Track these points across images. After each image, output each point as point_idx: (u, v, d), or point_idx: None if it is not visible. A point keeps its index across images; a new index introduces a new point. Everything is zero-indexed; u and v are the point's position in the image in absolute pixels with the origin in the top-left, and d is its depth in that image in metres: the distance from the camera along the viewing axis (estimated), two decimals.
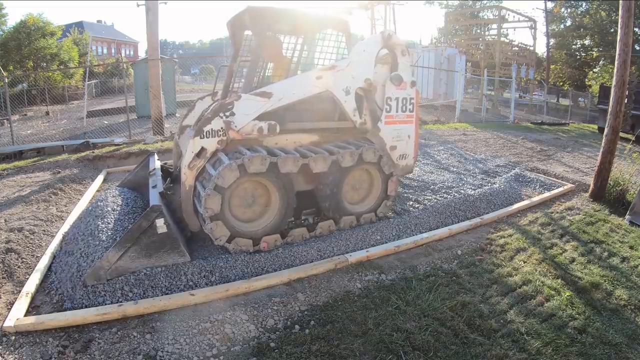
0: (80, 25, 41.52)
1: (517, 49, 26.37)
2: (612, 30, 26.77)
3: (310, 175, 4.57)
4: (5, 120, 13.10)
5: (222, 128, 4.14)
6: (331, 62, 5.14)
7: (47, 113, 18.05)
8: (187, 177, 4.11)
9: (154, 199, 4.12)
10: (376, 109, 5.08)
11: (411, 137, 5.44)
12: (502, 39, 25.31)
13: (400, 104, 5.25)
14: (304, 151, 4.55)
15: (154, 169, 5.19)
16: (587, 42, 31.74)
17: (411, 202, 5.99)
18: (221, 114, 4.13)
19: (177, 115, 15.69)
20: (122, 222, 4.45)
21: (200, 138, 4.07)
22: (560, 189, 7.07)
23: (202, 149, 4.09)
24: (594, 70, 28.67)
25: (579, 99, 25.56)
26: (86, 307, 3.36)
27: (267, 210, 4.36)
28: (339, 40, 5.38)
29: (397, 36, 5.12)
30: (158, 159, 5.68)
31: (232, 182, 3.96)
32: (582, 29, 30.03)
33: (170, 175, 5.12)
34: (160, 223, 3.65)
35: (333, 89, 4.71)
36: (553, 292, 3.92)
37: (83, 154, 8.57)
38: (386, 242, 4.73)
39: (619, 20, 6.51)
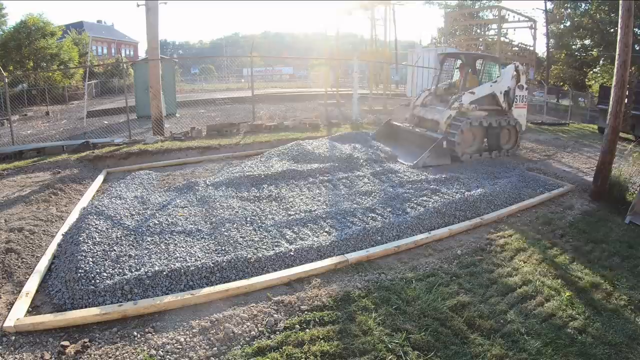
0: (80, 25, 41.56)
1: (517, 49, 26.35)
2: (612, 30, 26.76)
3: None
4: (5, 121, 13.10)
5: (457, 105, 8.79)
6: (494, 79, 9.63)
7: (47, 113, 18.05)
8: (444, 127, 8.71)
9: (435, 135, 8.60)
10: (511, 101, 9.49)
11: (524, 115, 10.05)
12: (502, 39, 25.28)
13: (520, 99, 9.74)
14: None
15: (406, 126, 10.02)
16: (587, 42, 31.73)
17: (411, 202, 5.98)
18: (458, 101, 8.79)
19: (177, 115, 15.69)
20: None
21: (450, 109, 8.76)
22: (560, 189, 7.07)
23: (450, 115, 8.69)
24: (594, 70, 28.64)
25: (579, 99, 25.53)
26: (86, 307, 3.36)
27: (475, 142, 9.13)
28: (496, 67, 10.11)
29: (520, 65, 9.67)
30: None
31: (466, 129, 8.62)
32: (581, 29, 30.02)
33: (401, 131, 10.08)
34: (444, 142, 8.32)
35: (495, 91, 9.29)
36: (553, 292, 3.92)
37: (83, 154, 8.57)
38: (386, 242, 4.74)
39: (619, 20, 6.51)
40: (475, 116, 8.86)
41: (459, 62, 10.52)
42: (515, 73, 9.46)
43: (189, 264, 3.90)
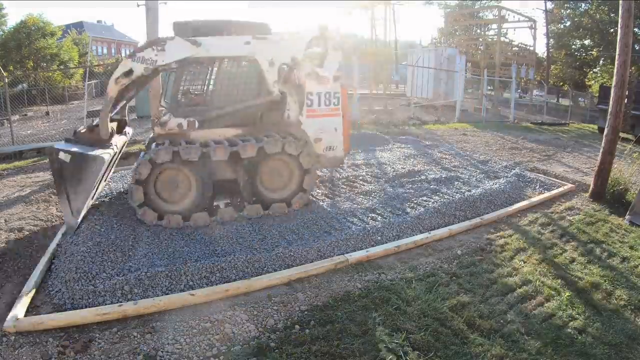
0: (80, 25, 41.58)
1: (517, 49, 26.37)
2: (612, 30, 26.77)
3: None
4: (5, 120, 13.09)
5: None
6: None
7: (47, 113, 18.04)
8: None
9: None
10: (302, 100, 5.52)
11: (335, 130, 5.74)
12: (502, 39, 25.29)
13: (323, 99, 5.59)
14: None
15: None
16: (587, 42, 31.75)
17: (411, 203, 5.98)
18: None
19: None
20: None
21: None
22: (560, 189, 7.07)
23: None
24: (594, 70, 28.64)
25: (579, 99, 25.54)
26: (86, 307, 3.36)
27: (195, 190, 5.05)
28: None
29: (330, 30, 5.50)
30: None
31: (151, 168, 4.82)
32: (581, 29, 30.03)
33: None
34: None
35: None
36: (553, 292, 3.92)
37: None
38: (386, 242, 4.74)
39: (619, 20, 6.51)
40: (202, 137, 5.06)
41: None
42: (314, 35, 5.35)
43: (189, 264, 3.90)
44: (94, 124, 4.83)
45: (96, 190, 4.91)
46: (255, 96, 5.40)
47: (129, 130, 5.73)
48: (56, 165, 4.17)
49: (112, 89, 4.69)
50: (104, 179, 5.19)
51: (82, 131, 4.66)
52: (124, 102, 5.05)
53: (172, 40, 4.72)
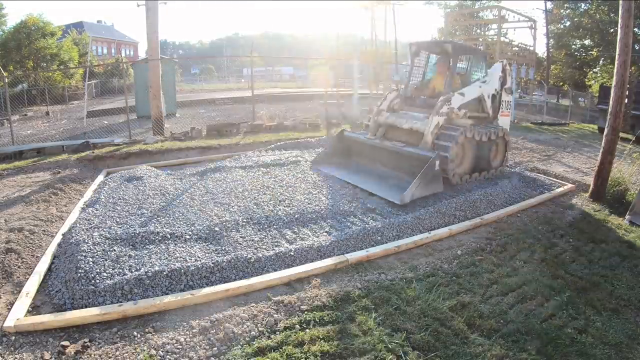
0: (80, 25, 41.57)
1: (517, 49, 26.35)
2: (612, 30, 26.76)
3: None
4: (5, 120, 13.10)
5: (446, 110, 6.85)
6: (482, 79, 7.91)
7: (47, 113, 18.05)
8: (429, 139, 6.69)
9: (425, 153, 6.38)
10: (497, 107, 8.01)
11: (508, 124, 8.30)
12: (502, 39, 25.28)
13: (506, 105, 8.23)
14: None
15: (370, 138, 7.62)
16: (586, 42, 31.73)
17: (411, 202, 5.98)
18: (446, 103, 6.87)
19: (177, 115, 15.68)
20: None
21: (438, 115, 6.75)
22: (560, 189, 7.07)
23: (438, 123, 6.73)
24: (594, 70, 28.62)
25: (579, 99, 25.52)
26: (86, 307, 3.36)
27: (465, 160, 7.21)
28: (483, 65, 8.29)
29: (508, 64, 8.19)
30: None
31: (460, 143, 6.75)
32: (581, 29, 30.02)
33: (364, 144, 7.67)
34: (437, 164, 6.17)
35: (484, 93, 7.68)
36: (553, 292, 3.92)
37: (83, 154, 8.58)
38: (386, 242, 4.74)
39: (619, 20, 6.51)
40: (465, 125, 7.01)
41: (434, 55, 8.30)
42: (502, 74, 7.91)
43: (189, 264, 3.90)
44: None
45: None
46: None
47: None
48: None
49: (431, 138, 6.72)
50: None
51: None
52: None
53: (453, 97, 6.99)
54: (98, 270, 3.77)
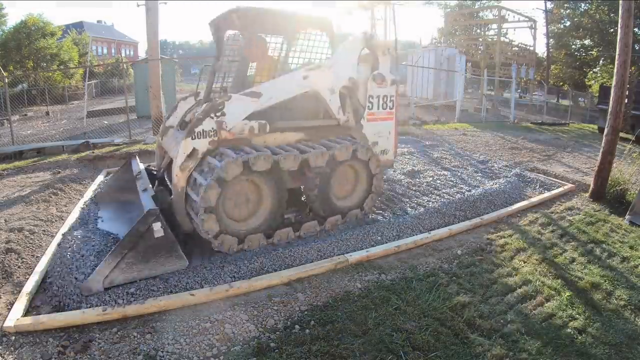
0: (80, 25, 41.54)
1: (517, 49, 26.37)
2: (612, 30, 26.77)
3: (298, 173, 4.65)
4: (5, 120, 13.10)
5: (213, 128, 4.17)
6: (316, 62, 5.20)
7: (47, 113, 18.05)
8: (179, 178, 4.11)
9: (148, 203, 4.06)
10: (359, 107, 5.30)
11: (391, 133, 5.69)
12: (502, 39, 25.29)
13: (381, 102, 5.46)
14: (302, 147, 4.66)
15: (139, 172, 5.17)
16: (586, 42, 31.74)
17: (411, 203, 5.99)
18: (212, 115, 4.16)
19: None
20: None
21: (192, 139, 4.09)
22: (560, 189, 7.07)
23: (194, 150, 4.12)
24: (594, 70, 28.64)
25: (579, 99, 25.55)
26: (86, 307, 3.36)
27: (257, 210, 4.41)
28: (322, 40, 5.33)
29: (377, 37, 5.37)
30: (141, 162, 5.69)
31: (234, 177, 4.00)
32: (581, 29, 30.03)
33: (155, 177, 5.27)
34: (157, 227, 3.59)
35: (319, 87, 4.85)
36: (553, 292, 3.92)
37: (83, 154, 8.57)
38: (386, 242, 4.74)
39: (619, 20, 6.51)
40: (267, 145, 4.54)
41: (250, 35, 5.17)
42: (366, 51, 5.33)
43: (188, 265, 3.89)
44: None
45: None
46: (320, 119, 5.11)
47: None
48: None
49: (180, 178, 4.11)
50: None
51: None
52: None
53: (228, 100, 4.23)
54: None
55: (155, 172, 5.53)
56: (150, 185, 4.71)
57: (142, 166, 5.48)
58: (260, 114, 4.45)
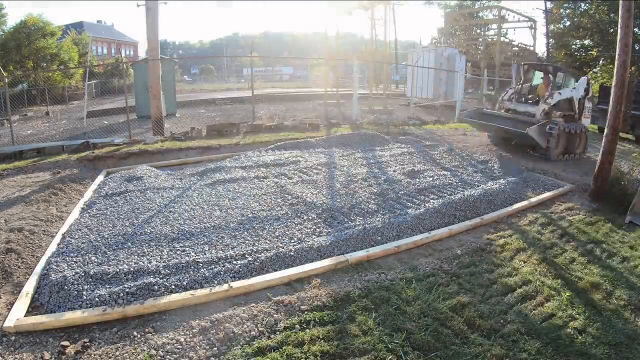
0: (80, 25, 41.55)
1: (517, 49, 26.36)
2: (612, 30, 26.74)
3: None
4: (5, 121, 13.10)
5: (549, 102, 9.41)
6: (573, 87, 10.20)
7: (47, 113, 18.05)
8: (540, 116, 9.50)
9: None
10: (582, 109, 10.16)
11: (588, 125, 10.56)
12: (502, 39, 25.28)
13: (587, 110, 10.40)
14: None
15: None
16: (586, 42, 31.70)
17: (411, 203, 5.99)
18: (547, 100, 9.49)
19: (177, 115, 15.68)
20: None
21: (544, 104, 9.48)
22: (560, 189, 7.07)
23: (544, 109, 9.39)
24: (594, 70, 28.60)
25: None
26: (86, 307, 3.36)
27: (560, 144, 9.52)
28: (572, 79, 10.83)
29: (591, 80, 10.72)
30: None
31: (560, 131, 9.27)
32: (581, 29, 30.00)
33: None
34: (547, 127, 9.12)
35: (574, 96, 9.89)
36: (553, 292, 3.92)
37: (83, 154, 8.57)
38: (386, 242, 4.74)
39: (619, 20, 6.51)
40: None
41: (536, 71, 11.71)
42: (586, 85, 10.30)
43: (188, 265, 3.89)
44: None
45: None
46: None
47: None
48: None
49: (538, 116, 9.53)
50: None
51: None
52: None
53: (552, 96, 9.54)
54: (98, 269, 3.77)
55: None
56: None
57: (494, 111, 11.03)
58: (556, 104, 9.61)
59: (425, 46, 28.42)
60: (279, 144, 9.40)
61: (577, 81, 10.75)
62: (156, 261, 4.02)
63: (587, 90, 10.21)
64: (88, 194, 6.32)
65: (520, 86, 11.37)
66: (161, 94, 11.51)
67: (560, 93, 9.79)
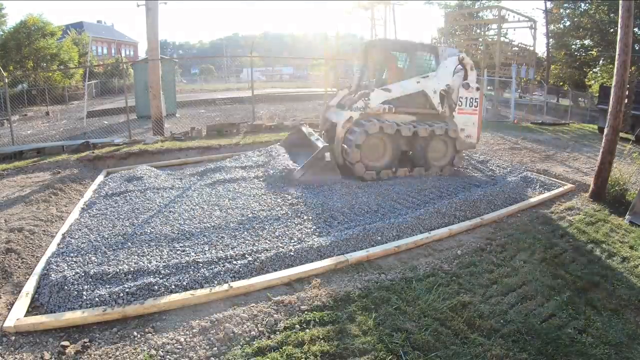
0: (80, 25, 41.55)
1: (517, 49, 26.35)
2: (612, 30, 26.75)
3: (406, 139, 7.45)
4: (5, 121, 13.10)
5: (362, 107, 7.19)
6: (426, 73, 7.82)
7: (47, 113, 18.05)
8: (341, 131, 7.15)
9: (320, 144, 6.93)
10: (452, 104, 7.76)
11: (473, 124, 8.08)
12: (502, 39, 25.27)
13: (468, 102, 7.95)
14: (415, 124, 7.47)
15: (310, 132, 8.31)
16: (586, 42, 31.71)
17: (411, 203, 5.99)
18: (364, 98, 7.24)
19: (177, 115, 15.67)
20: None
21: (352, 110, 7.21)
22: (560, 189, 7.07)
23: (351, 117, 7.11)
24: (594, 70, 28.61)
25: (579, 99, 25.54)
26: (86, 307, 3.36)
27: (383, 156, 7.31)
28: (430, 58, 8.21)
29: (467, 57, 7.77)
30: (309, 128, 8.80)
31: (373, 133, 6.93)
32: (581, 29, 30.00)
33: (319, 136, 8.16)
34: (328, 155, 6.64)
35: (426, 89, 7.58)
36: (553, 292, 3.92)
37: (83, 154, 8.57)
38: (386, 242, 4.74)
39: (619, 20, 6.51)
40: (391, 120, 7.15)
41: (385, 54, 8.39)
42: (460, 67, 7.65)
43: (189, 265, 3.89)
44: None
45: None
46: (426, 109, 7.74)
47: None
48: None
49: (341, 133, 7.11)
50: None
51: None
52: None
53: (373, 92, 7.24)
54: (98, 269, 3.77)
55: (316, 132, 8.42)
56: (319, 137, 7.73)
57: (310, 129, 8.58)
58: (389, 102, 7.33)
59: None
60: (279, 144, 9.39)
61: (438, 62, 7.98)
62: (156, 261, 4.02)
63: (464, 75, 7.67)
64: (88, 194, 6.32)
65: (357, 83, 8.63)
66: (161, 94, 11.51)
67: (388, 89, 7.36)
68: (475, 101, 7.93)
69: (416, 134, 7.25)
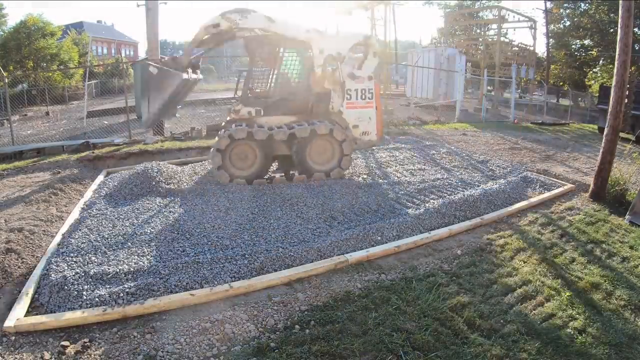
0: (80, 25, 41.53)
1: (517, 49, 26.36)
2: (612, 30, 26.74)
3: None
4: (5, 121, 13.10)
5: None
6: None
7: (47, 113, 18.04)
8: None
9: None
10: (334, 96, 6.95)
11: (370, 120, 7.10)
12: (502, 39, 25.28)
13: (359, 94, 6.98)
14: (291, 125, 6.69)
15: None
16: (586, 42, 31.70)
17: (411, 203, 5.99)
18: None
19: (177, 115, 15.63)
20: None
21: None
22: (560, 189, 7.07)
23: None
24: (594, 70, 28.61)
25: (579, 99, 25.55)
26: (86, 307, 3.36)
27: (252, 164, 6.56)
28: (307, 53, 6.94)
29: (373, 39, 7.22)
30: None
31: (240, 138, 6.29)
32: (581, 29, 30.00)
33: None
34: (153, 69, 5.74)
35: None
36: (553, 292, 3.92)
37: (83, 154, 8.57)
38: (386, 242, 4.74)
39: (619, 20, 6.50)
40: (263, 123, 6.55)
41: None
42: (358, 41, 6.93)
43: (189, 265, 3.89)
44: (177, 55, 6.39)
45: (170, 104, 6.21)
46: (306, 89, 6.82)
47: (199, 74, 7.04)
48: (145, 76, 5.73)
49: (199, 33, 6.14)
50: (178, 99, 6.63)
51: (165, 59, 6.33)
52: (202, 51, 6.82)
53: (254, 12, 6.21)
54: (98, 269, 3.77)
55: None
56: None
57: None
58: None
59: (425, 46, 28.44)
60: None
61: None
62: (156, 261, 4.02)
63: (360, 60, 6.87)
64: (88, 194, 6.32)
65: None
66: None
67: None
68: (369, 92, 6.95)
69: (295, 135, 6.47)
